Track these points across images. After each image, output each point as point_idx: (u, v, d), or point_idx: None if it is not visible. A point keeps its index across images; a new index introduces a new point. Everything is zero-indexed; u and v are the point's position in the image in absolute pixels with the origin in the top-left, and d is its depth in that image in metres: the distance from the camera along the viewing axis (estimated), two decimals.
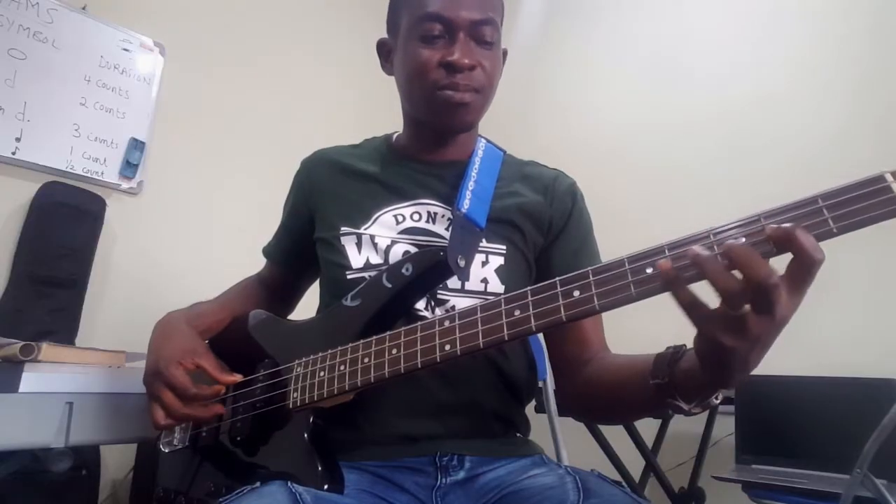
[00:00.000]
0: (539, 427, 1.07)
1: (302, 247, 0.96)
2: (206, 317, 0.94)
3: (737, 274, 0.48)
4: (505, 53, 0.93)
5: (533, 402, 1.00)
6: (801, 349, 1.80)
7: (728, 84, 2.24)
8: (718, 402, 0.60)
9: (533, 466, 0.79)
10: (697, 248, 0.49)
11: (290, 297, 1.06)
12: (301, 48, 2.68)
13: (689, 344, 0.58)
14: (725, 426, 1.89)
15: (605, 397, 0.79)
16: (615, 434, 1.66)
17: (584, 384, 0.81)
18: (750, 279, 0.47)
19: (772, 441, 1.65)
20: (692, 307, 0.51)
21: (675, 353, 0.62)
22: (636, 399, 0.69)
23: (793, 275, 0.48)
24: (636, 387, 0.66)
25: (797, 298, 0.48)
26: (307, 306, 1.04)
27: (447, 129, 0.88)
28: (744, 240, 0.49)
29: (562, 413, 1.34)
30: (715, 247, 0.50)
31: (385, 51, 0.93)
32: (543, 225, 0.88)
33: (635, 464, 1.77)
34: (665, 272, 0.50)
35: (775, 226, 0.47)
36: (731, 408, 1.74)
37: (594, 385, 0.79)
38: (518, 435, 0.88)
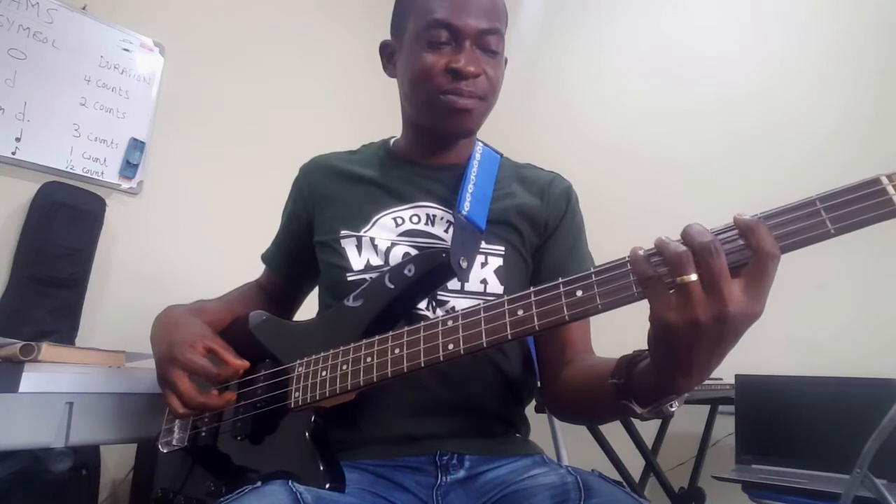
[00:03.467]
0: (539, 427, 1.07)
1: (301, 253, 0.96)
2: (207, 314, 0.94)
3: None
4: (505, 62, 0.94)
5: (533, 402, 1.00)
6: (801, 349, 1.81)
7: (729, 83, 2.24)
8: (673, 409, 0.59)
9: (534, 466, 0.80)
10: (661, 236, 0.52)
11: (290, 303, 1.06)
12: (301, 48, 2.68)
13: None
14: (725, 426, 1.89)
15: (574, 398, 0.80)
16: (615, 434, 1.67)
17: (561, 385, 0.82)
18: (693, 245, 0.49)
19: (772, 441, 1.65)
20: (650, 283, 0.52)
21: (638, 354, 0.63)
22: (597, 400, 0.71)
23: (750, 269, 0.49)
24: (598, 388, 0.67)
25: (754, 297, 0.49)
26: (306, 309, 1.04)
27: (448, 134, 0.89)
28: (741, 242, 0.50)
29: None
30: None
31: (388, 52, 0.94)
32: (539, 226, 0.89)
33: (635, 464, 1.77)
34: (633, 253, 0.53)
35: (745, 217, 0.50)
36: (731, 408, 1.74)
37: (567, 386, 0.81)
38: (518, 435, 0.89)
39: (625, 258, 0.56)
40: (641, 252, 0.53)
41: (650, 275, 0.52)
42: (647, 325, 0.54)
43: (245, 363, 0.81)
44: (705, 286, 0.49)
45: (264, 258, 1.05)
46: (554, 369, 0.85)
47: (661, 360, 0.55)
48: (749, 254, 0.50)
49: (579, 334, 0.85)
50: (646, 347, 0.64)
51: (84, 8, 2.03)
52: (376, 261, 0.85)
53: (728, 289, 0.49)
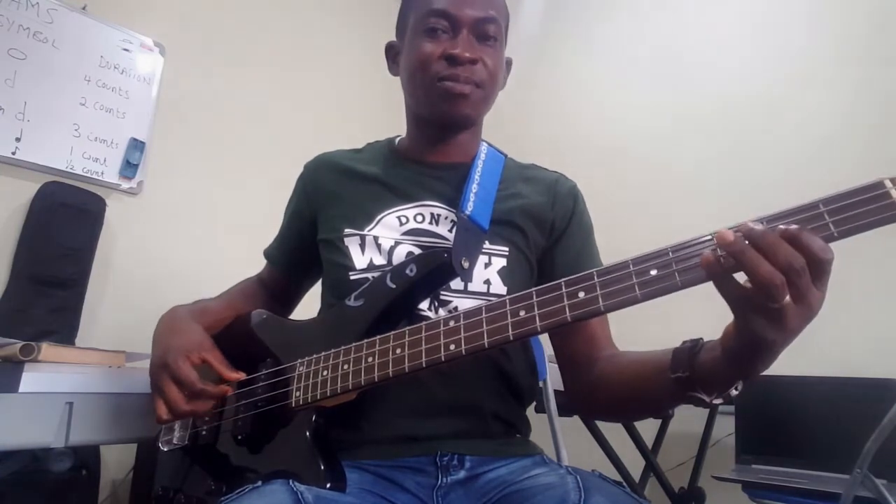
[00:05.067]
0: (539, 427, 1.07)
1: (303, 250, 0.96)
2: (210, 314, 0.95)
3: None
4: (510, 63, 0.94)
5: (533, 403, 1.00)
6: (801, 349, 1.80)
7: (729, 84, 2.24)
8: (737, 392, 0.60)
9: (534, 466, 0.79)
10: (751, 224, 0.50)
11: (290, 299, 1.07)
12: (302, 47, 2.68)
13: (706, 337, 0.59)
14: (725, 426, 1.89)
15: (621, 394, 0.78)
16: (615, 434, 1.67)
17: (597, 382, 0.81)
18: (780, 264, 0.48)
19: (772, 441, 1.65)
20: (742, 300, 0.51)
21: (694, 346, 0.62)
22: (655, 394, 0.70)
23: (813, 274, 0.49)
24: (655, 382, 0.67)
25: (823, 290, 0.51)
26: (307, 308, 1.04)
27: (448, 122, 0.89)
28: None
29: (563, 413, 1.34)
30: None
31: (392, 53, 0.95)
32: (546, 227, 0.89)
33: (635, 464, 1.77)
34: (706, 261, 0.51)
35: (784, 227, 0.49)
36: (731, 408, 1.74)
37: (609, 382, 0.79)
38: (518, 436, 0.88)
39: (627, 260, 0.56)
40: (715, 261, 0.51)
41: (738, 293, 0.51)
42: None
43: (239, 375, 0.82)
44: (797, 300, 0.50)
45: (266, 254, 1.05)
46: (582, 367, 0.84)
47: (746, 360, 0.56)
48: None
49: (602, 329, 0.85)
50: (690, 337, 0.64)
51: (84, 8, 2.03)
52: (379, 260, 0.85)
53: (813, 295, 0.50)
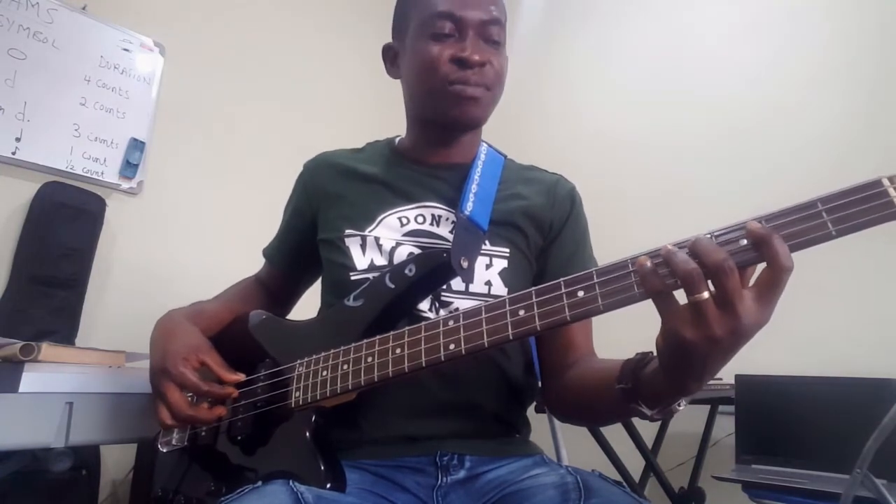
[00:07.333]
0: (539, 427, 1.07)
1: (303, 249, 0.96)
2: (207, 316, 0.94)
3: None
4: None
5: (533, 403, 1.00)
6: (801, 349, 1.81)
7: (732, 90, 2.23)
8: (681, 408, 0.61)
9: (534, 466, 0.80)
10: (668, 245, 0.52)
11: (289, 298, 1.07)
12: (302, 48, 2.68)
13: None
14: (725, 426, 1.89)
15: (578, 400, 0.80)
16: (615, 434, 1.66)
17: (564, 387, 0.83)
18: (706, 264, 0.49)
19: (772, 441, 1.65)
20: (660, 297, 0.52)
21: (642, 359, 0.64)
22: (604, 403, 0.72)
23: (763, 281, 0.50)
24: (605, 391, 0.68)
25: (765, 307, 0.50)
26: (306, 307, 1.04)
27: (455, 124, 0.88)
28: (745, 242, 0.50)
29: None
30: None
31: (391, 55, 0.94)
32: (544, 227, 0.90)
33: (635, 464, 1.77)
34: (641, 266, 0.53)
35: (758, 224, 0.49)
36: (731, 408, 1.74)
37: (571, 388, 0.81)
38: (518, 436, 0.89)
39: (626, 259, 0.56)
40: (649, 264, 0.52)
41: (661, 290, 0.52)
42: (647, 322, 0.54)
43: (238, 377, 0.82)
44: (719, 303, 0.50)
45: (266, 253, 1.05)
46: (556, 372, 0.85)
47: (673, 369, 0.56)
48: (755, 255, 0.50)
49: (581, 336, 0.86)
50: (646, 350, 0.64)
51: (84, 8, 2.03)
52: (380, 260, 0.85)
53: (742, 304, 0.49)
